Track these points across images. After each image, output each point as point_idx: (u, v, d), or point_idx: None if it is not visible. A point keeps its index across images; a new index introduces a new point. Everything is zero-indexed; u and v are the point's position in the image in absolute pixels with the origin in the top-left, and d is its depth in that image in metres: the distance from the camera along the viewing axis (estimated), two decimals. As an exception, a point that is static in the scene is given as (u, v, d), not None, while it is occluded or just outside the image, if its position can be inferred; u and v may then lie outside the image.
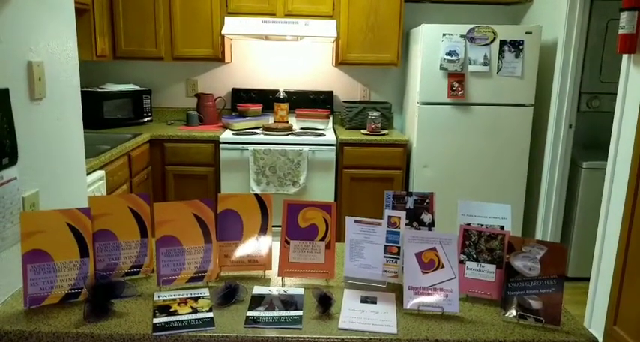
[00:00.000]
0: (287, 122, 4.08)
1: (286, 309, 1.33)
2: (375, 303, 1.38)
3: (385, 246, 1.48)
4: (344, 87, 4.44)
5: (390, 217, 1.48)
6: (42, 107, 1.71)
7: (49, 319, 1.26)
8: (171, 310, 1.31)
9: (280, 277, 1.51)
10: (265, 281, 1.51)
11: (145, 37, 3.92)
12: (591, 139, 4.06)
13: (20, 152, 1.55)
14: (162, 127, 4.10)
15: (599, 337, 2.82)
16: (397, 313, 1.33)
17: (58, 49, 1.81)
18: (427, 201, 1.59)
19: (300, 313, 1.31)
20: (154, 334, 1.21)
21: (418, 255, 1.38)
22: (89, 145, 2.56)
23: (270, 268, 1.54)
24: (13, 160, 1.52)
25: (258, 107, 4.18)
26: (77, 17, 2.36)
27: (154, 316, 1.28)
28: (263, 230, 1.54)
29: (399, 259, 1.47)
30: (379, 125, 3.95)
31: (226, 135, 3.78)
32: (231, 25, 3.79)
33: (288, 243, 1.50)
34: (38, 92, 1.67)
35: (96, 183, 2.70)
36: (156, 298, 1.37)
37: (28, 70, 1.62)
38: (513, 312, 1.32)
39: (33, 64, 1.63)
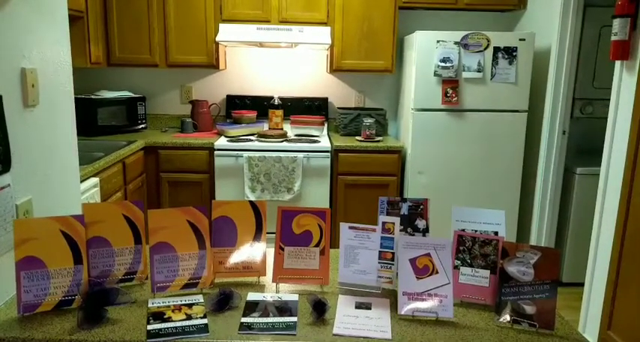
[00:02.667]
0: (282, 129, 4.09)
1: (281, 315, 1.33)
2: (370, 309, 1.38)
3: (379, 252, 1.48)
4: (339, 94, 4.45)
5: (384, 223, 1.49)
6: (35, 114, 1.71)
7: (42, 327, 1.25)
8: (165, 316, 1.30)
9: (275, 284, 1.51)
10: (260, 288, 1.50)
11: (139, 44, 3.92)
12: (585, 145, 4.08)
13: (13, 159, 1.55)
14: (157, 134, 4.10)
15: (594, 342, 2.83)
16: (392, 318, 1.33)
17: (51, 56, 1.81)
18: (421, 207, 1.59)
19: (294, 319, 1.31)
20: (148, 341, 1.20)
21: (412, 261, 1.38)
22: (83, 152, 2.55)
23: (265, 275, 1.54)
24: (6, 167, 1.51)
25: (253, 114, 4.18)
26: (71, 24, 2.36)
27: (148, 323, 1.27)
28: (257, 237, 1.54)
29: (393, 264, 1.47)
30: (374, 132, 3.96)
31: (221, 142, 3.78)
32: (226, 32, 3.80)
33: (283, 249, 1.50)
34: (31, 99, 1.66)
35: (90, 190, 2.69)
36: (150, 305, 1.36)
37: (22, 77, 1.62)
38: (507, 317, 1.32)
39: (26, 71, 1.63)
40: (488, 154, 3.76)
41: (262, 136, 3.89)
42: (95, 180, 2.80)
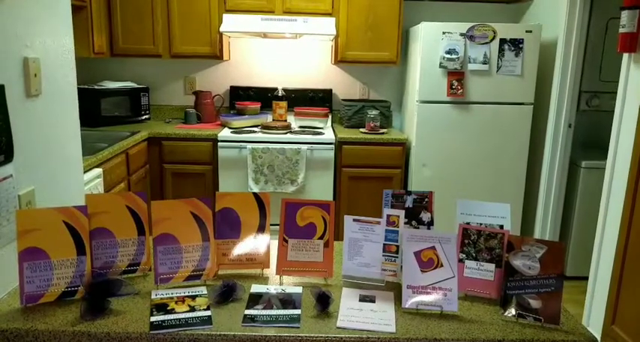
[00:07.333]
0: (285, 120, 4.07)
1: (284, 308, 1.32)
2: (374, 302, 1.37)
3: (384, 245, 1.47)
4: (343, 85, 4.43)
5: (388, 216, 1.47)
6: (38, 104, 1.70)
7: (45, 318, 1.25)
8: (168, 308, 1.30)
9: (278, 276, 1.50)
10: (263, 280, 1.50)
11: (142, 35, 3.90)
12: (591, 139, 4.05)
13: (16, 149, 1.54)
14: (160, 125, 4.09)
15: (598, 336, 2.82)
16: (396, 312, 1.32)
17: (54, 46, 1.80)
18: (426, 200, 1.58)
19: (298, 311, 1.31)
20: (151, 332, 1.20)
21: (417, 254, 1.37)
22: (86, 142, 2.55)
23: (269, 267, 1.54)
24: (9, 157, 1.51)
25: (257, 105, 4.17)
26: (74, 14, 2.34)
27: (152, 314, 1.27)
28: (261, 229, 1.53)
29: (397, 257, 1.47)
30: (378, 124, 3.94)
31: (224, 133, 3.77)
32: (230, 22, 3.78)
33: (287, 241, 1.49)
34: (34, 89, 1.65)
35: (93, 181, 2.69)
36: (153, 297, 1.36)
37: (24, 66, 1.61)
38: (512, 311, 1.31)
39: (29, 61, 1.62)
40: (493, 147, 3.74)
41: (266, 127, 3.88)
42: (98, 171, 2.79)
